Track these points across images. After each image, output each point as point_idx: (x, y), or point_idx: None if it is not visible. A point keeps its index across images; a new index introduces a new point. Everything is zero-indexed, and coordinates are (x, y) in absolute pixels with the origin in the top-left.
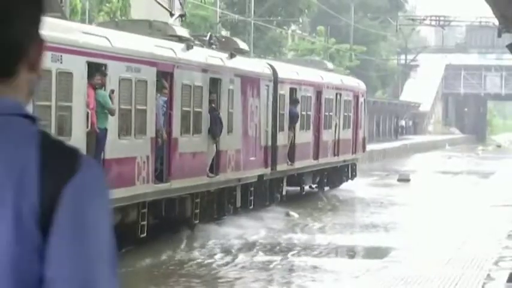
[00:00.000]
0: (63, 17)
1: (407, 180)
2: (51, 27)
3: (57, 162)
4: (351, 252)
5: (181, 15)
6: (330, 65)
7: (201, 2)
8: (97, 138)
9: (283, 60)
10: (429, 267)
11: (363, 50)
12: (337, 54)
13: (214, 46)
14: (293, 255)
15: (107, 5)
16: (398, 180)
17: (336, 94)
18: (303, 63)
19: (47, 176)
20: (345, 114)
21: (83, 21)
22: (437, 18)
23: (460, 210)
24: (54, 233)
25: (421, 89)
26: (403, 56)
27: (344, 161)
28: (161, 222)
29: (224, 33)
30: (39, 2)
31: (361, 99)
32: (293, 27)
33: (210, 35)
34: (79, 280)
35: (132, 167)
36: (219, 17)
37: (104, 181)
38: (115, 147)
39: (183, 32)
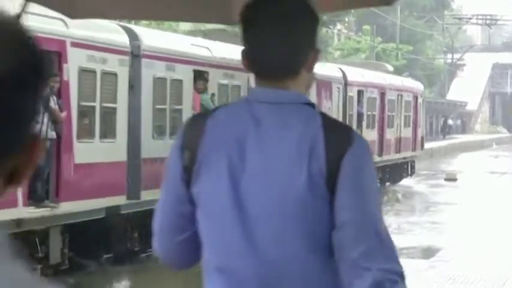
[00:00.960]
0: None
1: (454, 179)
2: (166, 41)
3: (337, 136)
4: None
5: None
6: (389, 67)
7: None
8: None
9: (350, 63)
10: (477, 267)
11: (409, 49)
12: (383, 53)
13: None
14: None
15: None
16: (445, 179)
17: (398, 95)
18: (366, 65)
19: (331, 147)
20: (406, 114)
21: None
22: (484, 17)
23: (507, 210)
24: (340, 189)
25: (468, 88)
26: (449, 55)
27: (404, 158)
28: None
29: None
30: (316, 17)
31: (419, 100)
32: (339, 26)
33: None
34: (363, 221)
35: None
36: None
37: (370, 151)
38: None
39: None
